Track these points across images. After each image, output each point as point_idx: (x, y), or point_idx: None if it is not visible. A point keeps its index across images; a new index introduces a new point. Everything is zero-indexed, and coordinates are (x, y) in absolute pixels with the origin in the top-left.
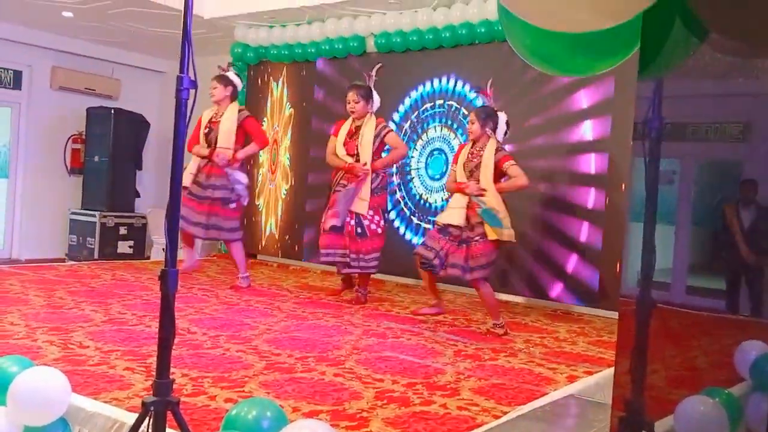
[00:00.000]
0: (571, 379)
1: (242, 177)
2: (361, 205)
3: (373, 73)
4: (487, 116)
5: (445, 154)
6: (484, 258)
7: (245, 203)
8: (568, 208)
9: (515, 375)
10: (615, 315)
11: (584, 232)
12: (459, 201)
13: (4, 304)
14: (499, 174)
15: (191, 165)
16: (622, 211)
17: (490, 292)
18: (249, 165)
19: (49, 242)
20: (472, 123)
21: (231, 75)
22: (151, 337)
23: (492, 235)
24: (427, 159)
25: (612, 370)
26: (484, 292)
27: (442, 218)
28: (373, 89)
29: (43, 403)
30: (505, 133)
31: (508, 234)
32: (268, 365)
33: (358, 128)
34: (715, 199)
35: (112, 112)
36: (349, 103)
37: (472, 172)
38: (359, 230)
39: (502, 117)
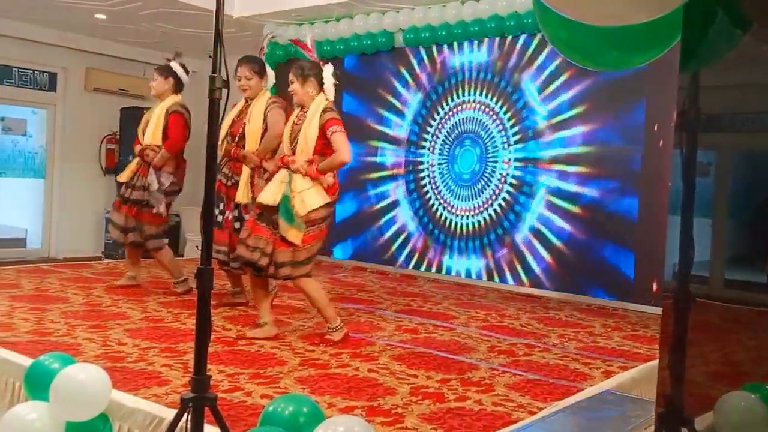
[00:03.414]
0: (607, 374)
1: (153, 181)
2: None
3: (264, 43)
4: (307, 72)
5: (480, 145)
6: (305, 252)
7: (159, 210)
8: (602, 204)
9: (550, 371)
10: (649, 309)
11: (619, 227)
12: (280, 177)
13: (44, 302)
14: (326, 141)
15: (133, 161)
16: (656, 205)
17: (317, 288)
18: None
19: (85, 241)
20: (291, 83)
21: (174, 65)
22: (187, 334)
23: (286, 233)
24: (454, 151)
25: (648, 365)
26: (311, 293)
27: (260, 197)
28: (265, 63)
29: (85, 399)
30: (335, 86)
31: (294, 236)
32: (302, 361)
33: (247, 107)
34: (754, 190)
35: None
36: (240, 80)
37: (295, 141)
38: (237, 225)
39: (328, 69)
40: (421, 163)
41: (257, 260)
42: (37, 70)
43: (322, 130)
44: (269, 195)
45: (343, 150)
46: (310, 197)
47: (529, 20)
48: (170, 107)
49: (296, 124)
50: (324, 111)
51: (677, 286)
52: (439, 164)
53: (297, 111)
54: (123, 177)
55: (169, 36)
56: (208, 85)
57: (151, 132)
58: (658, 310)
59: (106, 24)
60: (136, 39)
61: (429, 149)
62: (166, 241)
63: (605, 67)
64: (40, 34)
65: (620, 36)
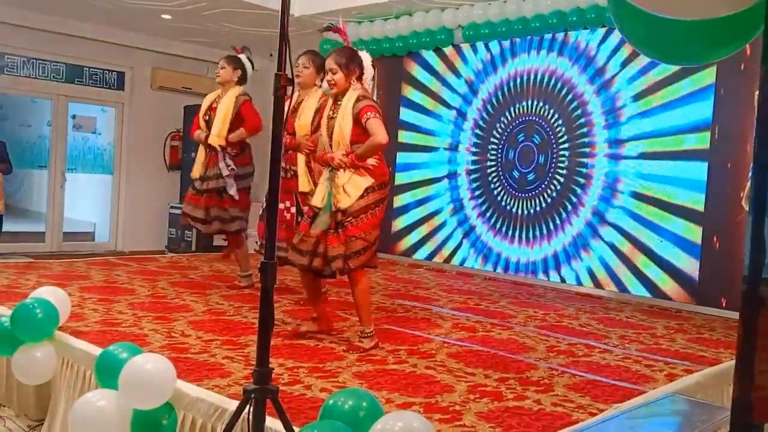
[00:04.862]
0: (671, 377)
1: (223, 167)
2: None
3: (341, 25)
4: (350, 61)
5: (540, 134)
6: (361, 241)
7: (231, 193)
8: (666, 201)
9: (611, 372)
10: (716, 312)
11: (683, 225)
12: (324, 177)
13: (112, 294)
14: (362, 130)
15: (199, 154)
16: (722, 204)
17: (367, 287)
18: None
19: (150, 235)
20: (334, 73)
21: (243, 58)
22: (248, 327)
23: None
24: (508, 150)
25: (715, 368)
26: (360, 288)
27: (311, 200)
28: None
29: (152, 388)
30: (373, 77)
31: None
32: (360, 357)
33: (300, 102)
34: None
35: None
36: (297, 67)
37: (333, 134)
38: (299, 219)
39: (366, 57)
40: (487, 160)
41: (310, 264)
42: (106, 70)
43: (356, 119)
44: (317, 197)
45: (379, 132)
46: (351, 188)
47: (592, 15)
48: (239, 97)
49: (332, 118)
50: (358, 100)
51: (746, 288)
52: (496, 165)
53: (331, 102)
54: (196, 172)
55: (232, 35)
56: (274, 83)
57: (221, 123)
58: (726, 313)
59: (171, 24)
60: (200, 38)
61: (491, 148)
62: (247, 232)
63: (681, 63)
64: (109, 35)
65: (700, 30)
